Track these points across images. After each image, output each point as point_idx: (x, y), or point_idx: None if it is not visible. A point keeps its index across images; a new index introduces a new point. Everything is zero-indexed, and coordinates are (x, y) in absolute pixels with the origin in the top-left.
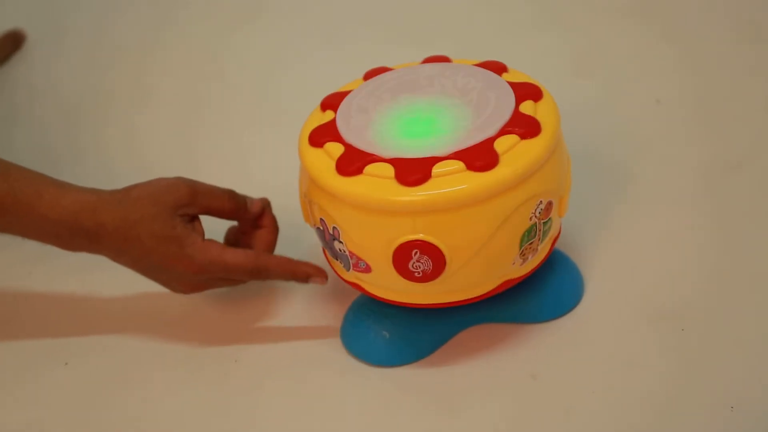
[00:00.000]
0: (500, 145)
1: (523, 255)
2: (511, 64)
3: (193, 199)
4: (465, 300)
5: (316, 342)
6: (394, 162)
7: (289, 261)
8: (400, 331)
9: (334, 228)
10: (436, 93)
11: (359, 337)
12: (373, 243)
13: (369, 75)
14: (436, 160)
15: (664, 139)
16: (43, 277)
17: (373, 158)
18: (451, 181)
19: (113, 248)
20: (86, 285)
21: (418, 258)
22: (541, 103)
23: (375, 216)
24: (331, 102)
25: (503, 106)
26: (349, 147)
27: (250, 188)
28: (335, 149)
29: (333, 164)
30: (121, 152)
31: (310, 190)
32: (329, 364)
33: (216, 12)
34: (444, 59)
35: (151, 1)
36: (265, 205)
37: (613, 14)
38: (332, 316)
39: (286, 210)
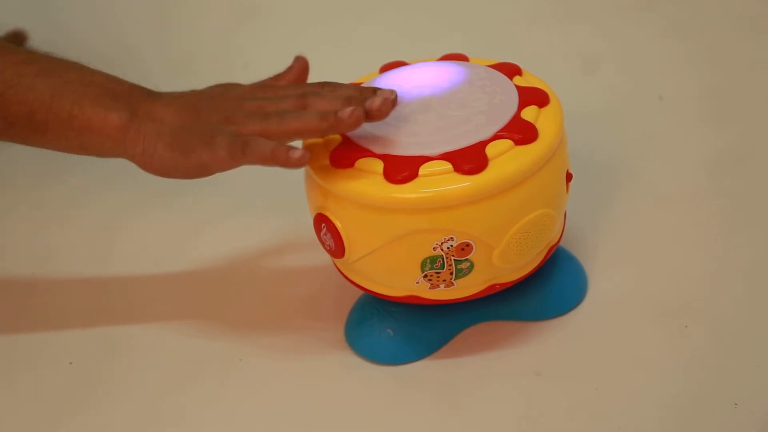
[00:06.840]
0: (492, 149)
1: (428, 279)
2: (513, 58)
3: None
4: (454, 299)
5: (320, 341)
6: (385, 158)
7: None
8: (404, 328)
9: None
10: (443, 91)
11: (364, 335)
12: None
13: (385, 69)
14: (425, 159)
15: (667, 134)
16: (47, 276)
17: (365, 153)
18: (438, 182)
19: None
20: (90, 284)
21: (325, 232)
22: (545, 109)
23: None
24: None
25: (504, 110)
26: (346, 139)
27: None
28: (333, 140)
29: (328, 155)
30: None
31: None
32: (334, 362)
33: (222, 6)
34: (462, 57)
35: None
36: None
37: (616, 9)
38: (336, 314)
39: (290, 209)
